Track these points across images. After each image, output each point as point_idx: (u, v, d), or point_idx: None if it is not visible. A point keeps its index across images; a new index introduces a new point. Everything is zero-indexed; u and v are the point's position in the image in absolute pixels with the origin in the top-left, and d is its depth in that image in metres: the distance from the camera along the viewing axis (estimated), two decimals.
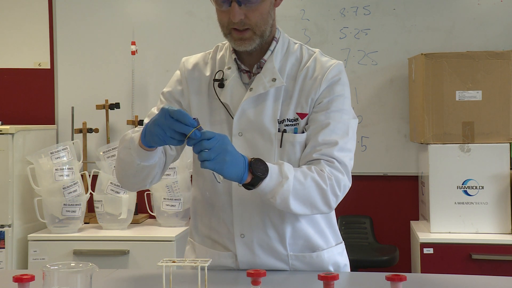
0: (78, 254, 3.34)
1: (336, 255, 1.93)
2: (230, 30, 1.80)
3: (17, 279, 1.46)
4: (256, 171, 1.67)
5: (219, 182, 1.66)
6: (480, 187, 3.33)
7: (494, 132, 3.34)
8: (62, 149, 3.49)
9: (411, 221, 3.76)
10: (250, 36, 1.79)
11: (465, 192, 3.34)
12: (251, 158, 1.68)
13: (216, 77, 1.88)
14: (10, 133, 3.45)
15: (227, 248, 1.88)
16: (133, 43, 3.88)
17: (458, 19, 3.83)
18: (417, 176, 3.86)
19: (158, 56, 3.97)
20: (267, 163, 1.70)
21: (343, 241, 2.00)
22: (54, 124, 4.04)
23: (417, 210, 3.87)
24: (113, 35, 4.01)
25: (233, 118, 1.83)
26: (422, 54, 3.41)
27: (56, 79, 4.05)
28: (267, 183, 1.68)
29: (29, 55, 4.09)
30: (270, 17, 1.82)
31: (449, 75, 3.37)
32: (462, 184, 3.34)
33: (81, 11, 4.03)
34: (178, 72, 1.97)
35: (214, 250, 1.90)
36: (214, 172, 1.64)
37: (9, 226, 3.44)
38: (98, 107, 3.79)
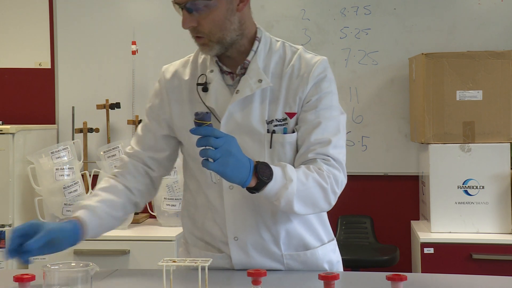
0: (79, 253, 3.34)
1: (329, 252, 1.93)
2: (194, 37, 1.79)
3: (18, 279, 1.46)
4: (262, 176, 1.64)
5: (215, 182, 1.64)
6: (481, 187, 3.33)
7: (494, 132, 3.34)
8: (63, 149, 3.49)
9: (411, 221, 3.76)
10: (206, 43, 1.76)
11: (466, 192, 3.34)
12: (256, 162, 1.65)
13: (199, 81, 1.85)
14: (10, 133, 3.45)
15: (221, 251, 1.88)
16: (134, 43, 3.88)
17: (459, 19, 3.83)
18: (418, 176, 3.86)
19: (159, 56, 3.97)
20: (270, 165, 1.68)
21: (335, 238, 2.00)
22: (55, 124, 4.04)
23: (418, 210, 3.87)
24: (114, 35, 4.01)
25: (219, 122, 1.80)
26: (422, 54, 3.41)
27: (56, 79, 4.05)
28: (271, 186, 1.66)
29: (29, 55, 4.09)
30: (229, 23, 1.76)
31: (450, 75, 3.37)
32: (463, 184, 3.34)
33: (82, 11, 4.03)
34: (156, 84, 1.95)
35: (208, 252, 1.89)
36: (212, 172, 1.62)
37: (10, 225, 3.44)
38: (99, 106, 3.79)
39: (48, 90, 4.07)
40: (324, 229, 1.94)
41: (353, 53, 3.90)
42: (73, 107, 3.92)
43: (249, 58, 1.82)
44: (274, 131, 1.80)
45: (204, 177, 1.84)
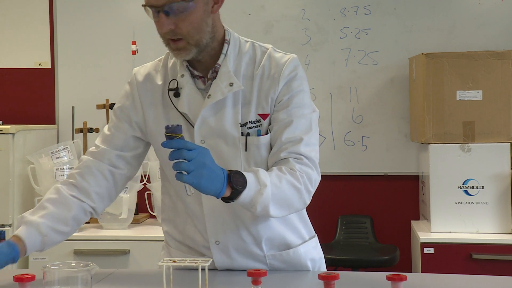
0: (79, 254, 3.34)
1: (311, 249, 1.93)
2: (168, 40, 1.75)
3: (18, 279, 1.46)
4: (235, 184, 1.62)
5: (189, 195, 1.62)
6: (481, 187, 3.33)
7: (494, 131, 3.34)
8: (63, 149, 3.49)
9: (411, 221, 3.76)
10: (184, 46, 1.73)
11: (466, 192, 3.34)
12: (229, 171, 1.64)
13: (170, 87, 1.83)
14: (10, 133, 3.45)
15: (203, 255, 1.87)
16: (134, 43, 3.88)
17: (459, 19, 3.83)
18: (418, 176, 3.86)
19: (159, 56, 3.95)
20: (243, 173, 1.66)
21: (316, 235, 2.00)
22: (55, 123, 4.04)
23: (418, 209, 3.87)
24: (114, 35, 4.01)
25: (193, 127, 1.79)
26: (422, 54, 3.41)
27: (56, 78, 4.05)
28: (246, 194, 1.64)
29: (29, 55, 4.09)
30: (205, 25, 1.74)
31: (450, 74, 3.37)
32: (463, 184, 3.34)
33: (82, 11, 4.03)
34: (127, 86, 1.93)
35: (190, 255, 1.89)
36: (186, 185, 1.59)
37: (10, 225, 3.44)
38: (99, 106, 3.79)
39: (48, 90, 4.07)
40: (304, 226, 1.94)
41: (353, 53, 3.90)
42: (73, 107, 3.92)
43: (219, 61, 1.80)
44: (248, 134, 1.79)
45: (179, 184, 1.81)
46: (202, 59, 1.80)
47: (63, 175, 3.43)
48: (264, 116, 1.80)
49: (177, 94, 1.82)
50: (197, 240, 1.87)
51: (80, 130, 3.85)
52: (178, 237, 1.92)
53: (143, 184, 3.62)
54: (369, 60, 3.89)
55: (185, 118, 1.81)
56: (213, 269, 1.87)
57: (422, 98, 3.41)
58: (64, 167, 3.45)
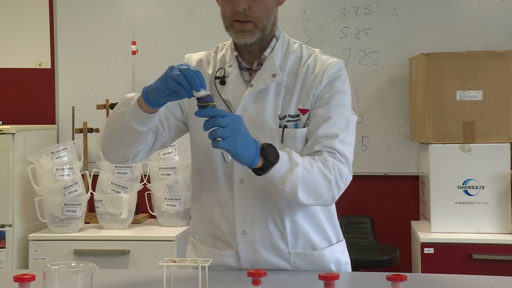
0: (79, 254, 3.34)
1: (337, 253, 1.93)
2: (232, 22, 1.81)
3: (18, 279, 1.46)
4: (268, 156, 1.66)
5: (227, 162, 1.65)
6: (481, 187, 3.33)
7: (494, 132, 3.34)
8: (63, 149, 3.49)
9: (411, 221, 3.76)
10: (251, 28, 1.80)
11: (466, 192, 3.34)
12: (263, 143, 1.68)
13: (217, 75, 1.90)
14: (10, 133, 3.45)
15: (229, 246, 1.88)
16: (134, 43, 3.88)
17: (459, 19, 3.83)
18: (418, 176, 3.86)
19: (159, 56, 3.97)
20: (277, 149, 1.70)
21: (344, 239, 2.00)
22: (55, 124, 4.04)
23: (418, 210, 3.87)
24: (114, 35, 4.01)
25: None
26: (422, 54, 3.41)
27: (56, 79, 4.05)
28: (278, 168, 1.68)
29: (29, 55, 4.09)
30: (272, 13, 1.84)
31: (450, 75, 3.37)
32: (463, 184, 3.34)
33: (82, 11, 4.03)
34: None
35: (215, 249, 1.90)
36: (224, 152, 1.62)
37: (10, 226, 3.44)
38: (99, 107, 3.79)
39: (48, 90, 4.07)
40: (333, 229, 1.94)
41: (353, 53, 3.90)
42: (73, 107, 3.92)
43: (265, 53, 1.87)
44: (286, 126, 1.83)
45: (212, 169, 1.86)
46: (254, 49, 1.86)
47: (63, 175, 3.43)
48: (303, 112, 1.84)
49: (223, 82, 1.88)
50: (223, 229, 1.88)
51: (80, 130, 3.85)
52: (206, 228, 1.92)
53: (143, 184, 3.62)
54: (369, 60, 3.89)
55: (227, 106, 1.85)
56: (237, 267, 1.87)
57: (422, 98, 3.41)
58: (64, 167, 3.44)
